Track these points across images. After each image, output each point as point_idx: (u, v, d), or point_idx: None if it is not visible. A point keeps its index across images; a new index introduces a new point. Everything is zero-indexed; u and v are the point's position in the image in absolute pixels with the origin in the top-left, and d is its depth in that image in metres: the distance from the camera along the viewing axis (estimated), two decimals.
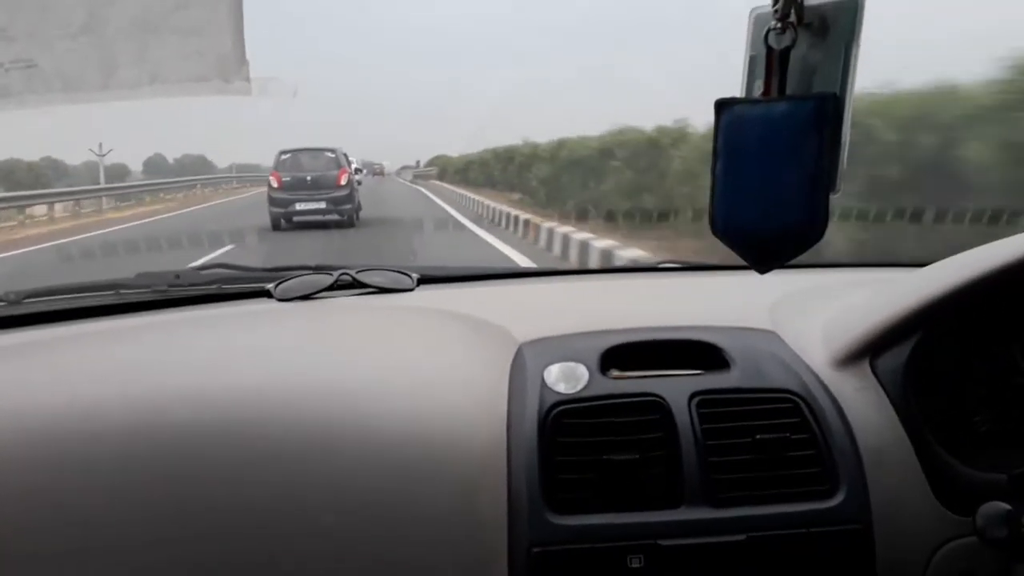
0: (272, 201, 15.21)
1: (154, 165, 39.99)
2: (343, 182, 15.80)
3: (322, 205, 15.37)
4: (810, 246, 0.79)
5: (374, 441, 1.10)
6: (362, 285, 1.56)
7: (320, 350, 1.31)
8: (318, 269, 1.60)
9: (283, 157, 16.48)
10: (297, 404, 1.14)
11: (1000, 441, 1.22)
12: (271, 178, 15.94)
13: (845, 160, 0.76)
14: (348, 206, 15.63)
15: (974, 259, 1.20)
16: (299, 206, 15.24)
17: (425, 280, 1.63)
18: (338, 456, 1.08)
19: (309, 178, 15.74)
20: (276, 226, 14.86)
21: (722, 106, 0.79)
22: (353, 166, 16.97)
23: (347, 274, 1.55)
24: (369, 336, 1.37)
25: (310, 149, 17.00)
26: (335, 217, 15.35)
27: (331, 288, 1.53)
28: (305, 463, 1.08)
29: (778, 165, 0.77)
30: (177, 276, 1.63)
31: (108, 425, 1.09)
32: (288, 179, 15.73)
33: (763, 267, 0.84)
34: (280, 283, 1.52)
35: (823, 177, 0.76)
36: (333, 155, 16.59)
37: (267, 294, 1.51)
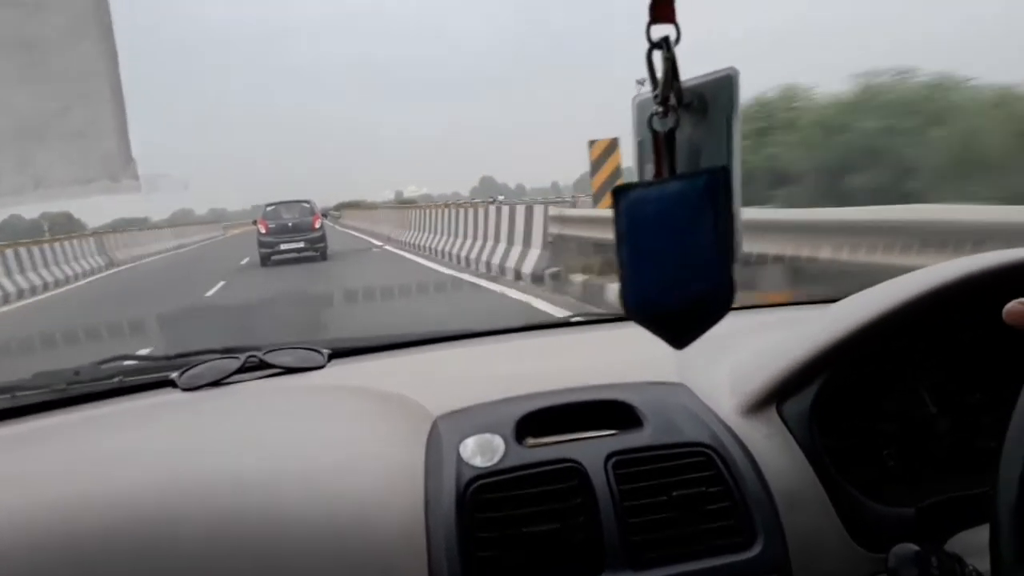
0: (261, 243, 20.24)
1: (9, 227, 34.80)
2: (317, 226, 20.93)
3: (301, 245, 20.26)
4: (721, 316, 0.80)
5: (287, 530, 1.07)
6: (270, 366, 1.53)
7: (229, 440, 1.28)
8: (225, 353, 1.57)
9: (268, 208, 21.69)
10: (205, 497, 1.10)
11: (907, 475, 1.26)
12: (259, 225, 21.15)
13: (741, 228, 0.78)
14: (322, 244, 20.43)
15: (871, 299, 1.24)
16: (282, 246, 20.15)
17: (336, 355, 1.61)
18: (250, 547, 1.05)
19: (290, 224, 20.78)
20: (264, 262, 19.64)
21: (619, 192, 0.80)
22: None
23: (254, 356, 1.52)
24: (279, 421, 1.35)
25: (288, 202, 22.02)
26: (310, 254, 19.98)
27: (239, 372, 1.50)
28: (216, 559, 1.04)
29: (679, 242, 0.78)
30: (76, 372, 1.58)
31: (13, 540, 1.04)
32: (273, 226, 20.72)
33: (678, 343, 0.84)
34: (185, 371, 1.48)
35: (724, 247, 0.78)
36: (308, 205, 21.87)
37: (172, 384, 1.47)
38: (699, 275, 0.78)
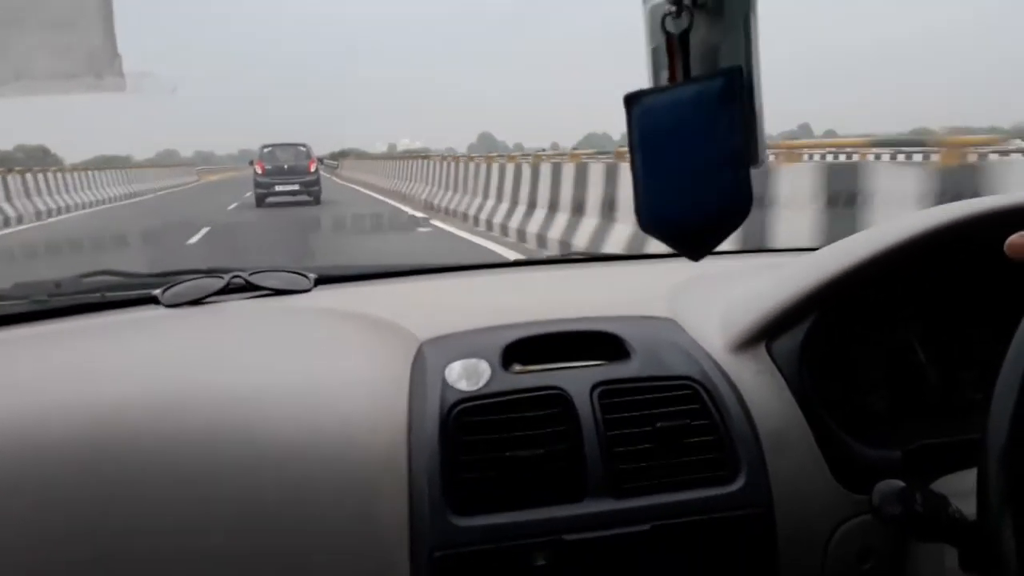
0: (257, 184, 21.18)
1: None
2: (312, 169, 21.89)
3: (296, 187, 21.07)
4: (738, 224, 0.79)
5: (267, 450, 1.05)
6: (256, 288, 1.51)
7: (210, 356, 1.26)
8: (209, 273, 1.54)
9: (265, 150, 22.41)
10: (185, 414, 1.09)
11: (895, 419, 1.25)
12: (256, 166, 21.95)
13: (764, 132, 0.76)
14: (316, 188, 21.41)
15: (863, 241, 1.22)
16: (278, 188, 21.00)
17: (323, 280, 1.59)
18: (229, 467, 1.04)
19: (286, 166, 21.62)
20: (260, 202, 20.72)
21: (631, 100, 0.78)
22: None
23: (239, 276, 1.50)
24: (262, 340, 1.33)
25: (285, 144, 22.78)
26: (305, 197, 20.77)
27: (223, 292, 1.47)
28: (194, 476, 1.03)
29: (695, 149, 0.76)
30: (57, 285, 1.55)
31: None
32: (269, 167, 21.48)
33: (695, 254, 0.83)
34: (168, 288, 1.45)
35: (741, 154, 0.76)
36: (304, 149, 22.76)
37: (155, 300, 1.44)
38: (716, 184, 0.76)
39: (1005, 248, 0.79)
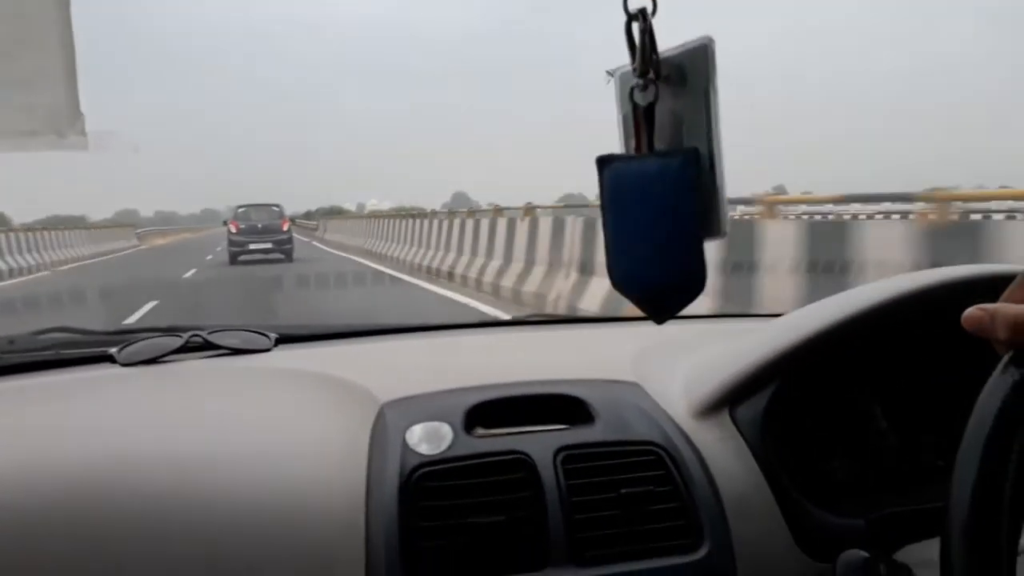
0: (231, 242, 22.26)
1: None
2: (285, 228, 23.01)
3: (269, 245, 22.14)
4: (697, 294, 0.80)
5: (222, 512, 1.03)
6: (215, 347, 1.48)
7: (166, 417, 1.23)
8: (167, 331, 1.52)
9: (239, 210, 23.57)
10: (138, 477, 1.06)
11: (858, 487, 1.25)
12: (230, 225, 23.13)
13: (725, 204, 0.78)
14: (289, 246, 22.41)
15: (825, 309, 1.24)
16: (251, 246, 22.04)
17: (284, 339, 1.57)
18: (182, 528, 1.01)
19: (259, 225, 22.74)
20: (233, 260, 21.47)
21: (603, 162, 0.81)
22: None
23: (198, 335, 1.47)
24: (219, 401, 1.30)
25: (258, 205, 23.89)
26: (278, 255, 21.67)
27: (181, 351, 1.45)
28: (148, 539, 1.00)
29: (658, 217, 0.78)
30: (11, 341, 1.52)
31: None
32: (243, 226, 22.65)
33: (659, 318, 0.84)
34: (124, 347, 1.43)
35: (697, 227, 0.78)
36: (277, 209, 23.86)
37: (110, 359, 1.42)
38: (677, 254, 0.78)
39: (962, 321, 0.80)
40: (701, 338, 1.49)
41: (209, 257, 22.87)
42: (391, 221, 22.37)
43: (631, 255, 0.81)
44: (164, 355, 1.42)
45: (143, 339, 1.46)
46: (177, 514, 1.02)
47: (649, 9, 0.75)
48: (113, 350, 1.42)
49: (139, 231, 48.75)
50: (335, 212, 48.34)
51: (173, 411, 1.26)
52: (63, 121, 1.01)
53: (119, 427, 1.19)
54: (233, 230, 22.90)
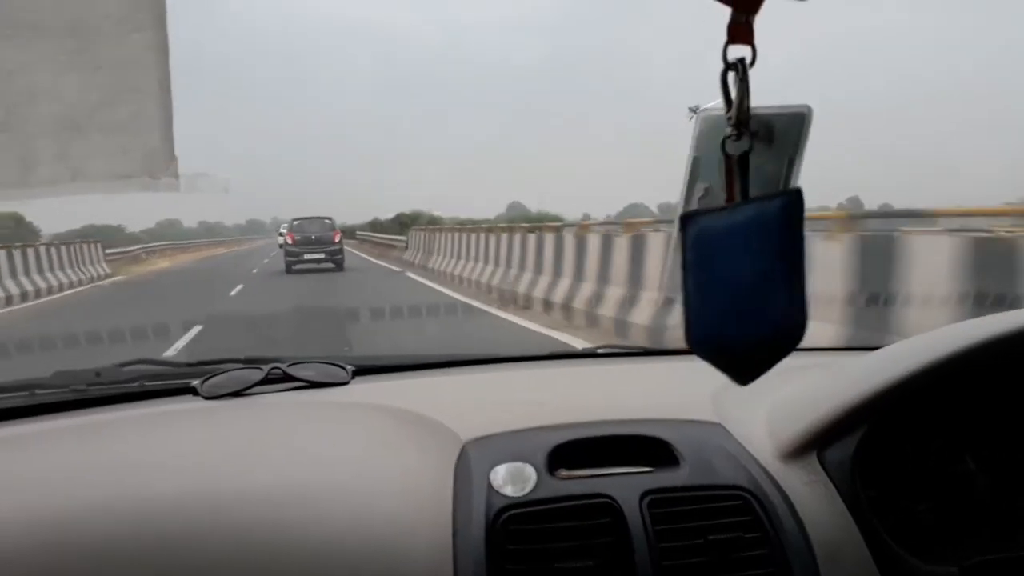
0: (287, 253, 24.13)
1: None
2: (337, 240, 24.68)
3: (322, 256, 23.88)
4: (792, 348, 0.76)
5: (302, 552, 1.03)
6: (294, 379, 1.50)
7: (247, 452, 1.24)
8: (248, 363, 1.54)
9: (294, 223, 25.53)
10: (222, 513, 1.07)
11: (949, 532, 1.21)
12: (287, 236, 25.20)
13: (806, 259, 0.75)
14: (340, 256, 24.27)
15: (916, 350, 1.20)
16: (306, 256, 23.80)
17: (361, 371, 1.58)
18: (271, 565, 1.02)
19: (313, 237, 24.48)
20: (289, 269, 23.25)
21: (686, 219, 0.77)
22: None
23: (278, 368, 1.49)
24: (302, 436, 1.31)
25: (312, 217, 25.64)
26: (330, 265, 23.59)
27: (261, 383, 1.46)
28: (234, 574, 1.01)
29: (750, 270, 0.74)
30: (97, 374, 1.55)
31: (17, 544, 1.01)
32: (299, 238, 24.45)
33: (744, 379, 0.80)
34: (207, 379, 1.45)
35: (796, 275, 0.74)
36: (329, 221, 25.59)
37: (193, 391, 1.44)
38: (769, 305, 0.74)
39: None
40: (780, 375, 1.46)
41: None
42: (527, 236, 14.38)
43: (714, 314, 0.76)
44: (245, 388, 1.44)
45: (224, 371, 1.48)
46: (260, 551, 1.03)
47: (748, 60, 0.73)
48: (196, 382, 1.44)
49: (124, 250, 31.78)
50: (421, 219, 36.71)
51: (257, 447, 1.27)
52: (158, 164, 1.02)
53: (204, 462, 1.20)
54: (289, 241, 24.69)
